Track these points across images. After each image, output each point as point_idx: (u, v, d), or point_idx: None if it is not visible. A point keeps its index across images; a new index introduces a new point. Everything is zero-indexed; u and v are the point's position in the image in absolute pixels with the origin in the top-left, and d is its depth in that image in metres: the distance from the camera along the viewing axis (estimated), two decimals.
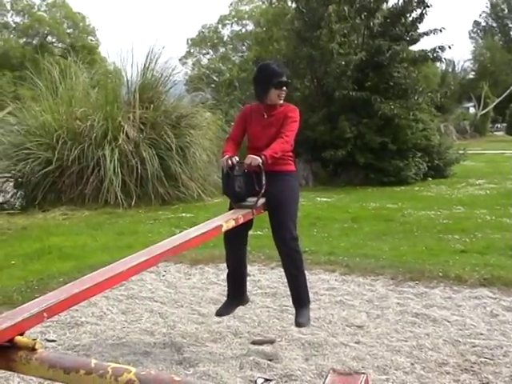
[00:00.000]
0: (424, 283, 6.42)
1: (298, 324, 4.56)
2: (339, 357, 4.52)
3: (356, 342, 4.80)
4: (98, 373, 1.89)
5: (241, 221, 4.16)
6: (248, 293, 5.09)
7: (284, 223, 4.49)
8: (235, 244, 4.67)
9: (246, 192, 4.41)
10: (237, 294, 4.86)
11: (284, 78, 4.61)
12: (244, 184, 4.40)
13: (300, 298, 4.63)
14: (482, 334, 4.91)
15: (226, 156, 4.48)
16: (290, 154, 4.71)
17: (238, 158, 4.49)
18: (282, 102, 4.65)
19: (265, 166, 4.32)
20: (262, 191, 4.33)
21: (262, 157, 4.31)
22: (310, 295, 5.92)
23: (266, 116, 4.64)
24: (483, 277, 6.40)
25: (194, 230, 3.81)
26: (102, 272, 2.98)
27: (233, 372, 4.25)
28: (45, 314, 2.74)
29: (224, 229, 3.94)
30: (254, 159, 4.32)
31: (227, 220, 4.02)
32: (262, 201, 4.42)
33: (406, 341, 4.82)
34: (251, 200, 4.40)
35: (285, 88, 4.62)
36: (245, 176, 4.42)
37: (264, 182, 4.32)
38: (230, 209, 4.52)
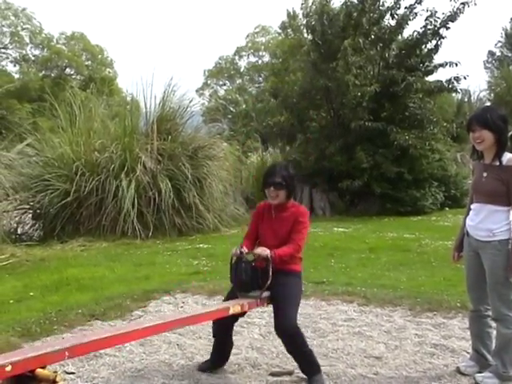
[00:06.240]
0: (442, 314, 6.39)
1: None
2: None
3: (374, 374, 4.78)
4: None
5: (246, 308, 4.45)
6: (264, 326, 5.08)
7: (285, 312, 4.52)
8: (222, 329, 4.78)
9: (252, 283, 4.53)
10: (220, 361, 4.92)
11: (271, 179, 4.69)
12: (251, 275, 4.52)
13: (309, 369, 4.59)
14: None
15: (237, 246, 4.65)
16: (300, 256, 4.82)
17: (246, 250, 4.64)
18: (275, 201, 4.72)
19: (272, 262, 4.46)
20: (268, 282, 4.46)
21: (272, 252, 4.47)
22: (329, 326, 5.93)
23: (274, 215, 4.79)
24: None
25: (203, 308, 4.57)
26: (122, 328, 3.62)
27: None
28: (66, 353, 2.83)
29: (231, 312, 4.32)
30: (264, 250, 4.49)
31: (234, 305, 4.40)
32: (266, 294, 4.56)
33: (425, 372, 4.79)
34: (255, 293, 4.55)
35: (273, 188, 4.67)
36: (252, 269, 4.54)
37: (270, 273, 4.45)
38: (229, 297, 4.75)
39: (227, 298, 4.80)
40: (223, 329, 4.78)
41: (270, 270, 4.44)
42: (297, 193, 18.05)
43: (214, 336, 4.92)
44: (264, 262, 4.48)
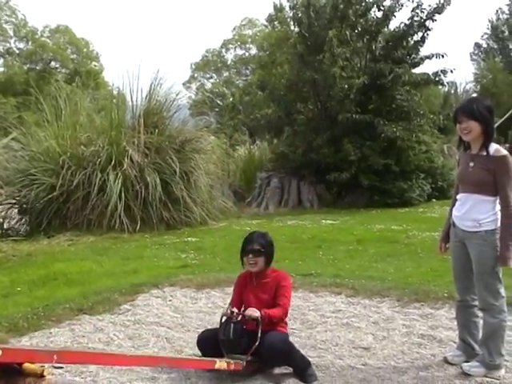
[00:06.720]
0: (429, 304, 6.41)
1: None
2: (346, 379, 4.51)
3: (363, 364, 4.79)
4: None
5: (231, 367, 4.43)
6: None
7: (275, 335, 4.55)
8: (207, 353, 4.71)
9: (239, 345, 4.51)
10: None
11: (249, 246, 4.77)
12: (239, 336, 4.51)
13: (300, 366, 4.58)
14: None
15: (228, 307, 4.74)
16: (285, 320, 4.88)
17: (237, 310, 4.65)
18: (254, 269, 4.78)
19: (262, 321, 4.49)
20: (256, 344, 4.45)
21: (262, 312, 4.51)
22: (317, 317, 5.95)
23: (255, 284, 4.84)
24: None
25: (194, 357, 4.77)
26: (115, 352, 4.07)
27: None
28: (55, 357, 2.86)
29: (216, 366, 4.36)
30: (254, 311, 4.51)
31: (221, 360, 4.42)
32: (251, 357, 4.53)
33: (413, 362, 4.82)
34: (242, 356, 4.53)
35: (251, 256, 4.74)
36: (242, 330, 4.53)
37: (259, 335, 4.45)
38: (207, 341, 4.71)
39: (204, 341, 4.74)
40: (211, 350, 4.68)
41: (260, 331, 4.46)
42: (284, 185, 18.10)
43: (203, 355, 4.82)
44: (253, 324, 4.51)
